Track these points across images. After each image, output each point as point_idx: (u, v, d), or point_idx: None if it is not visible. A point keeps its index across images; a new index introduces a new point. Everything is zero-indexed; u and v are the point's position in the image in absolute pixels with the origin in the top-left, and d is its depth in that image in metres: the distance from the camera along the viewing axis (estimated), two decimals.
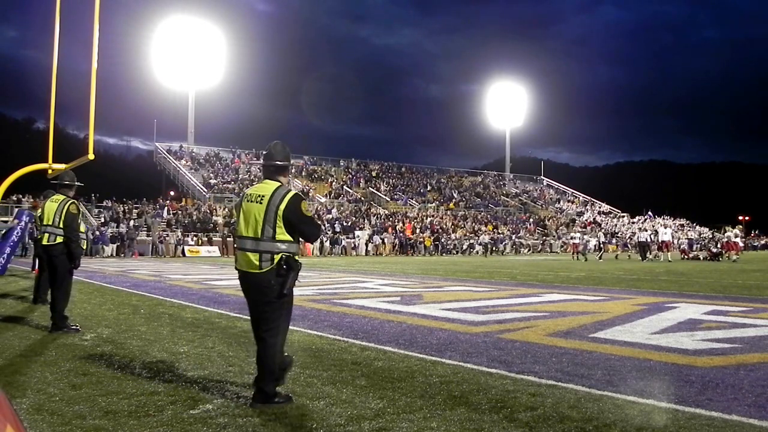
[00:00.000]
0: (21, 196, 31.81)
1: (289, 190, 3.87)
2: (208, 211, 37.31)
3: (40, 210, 7.45)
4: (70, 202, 6.88)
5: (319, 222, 4.24)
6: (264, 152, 4.11)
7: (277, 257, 3.76)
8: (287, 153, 4.07)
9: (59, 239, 6.77)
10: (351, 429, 3.30)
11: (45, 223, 6.91)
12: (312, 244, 4.33)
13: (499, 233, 46.85)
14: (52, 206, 6.91)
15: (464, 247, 42.70)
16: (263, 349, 3.80)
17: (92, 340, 6.06)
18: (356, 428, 3.31)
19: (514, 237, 46.84)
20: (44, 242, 6.88)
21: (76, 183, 7.26)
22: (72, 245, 6.77)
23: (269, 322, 3.81)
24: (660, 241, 27.78)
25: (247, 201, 3.90)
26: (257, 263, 3.77)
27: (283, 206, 3.76)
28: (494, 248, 42.82)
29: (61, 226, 6.77)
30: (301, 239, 3.95)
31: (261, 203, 3.81)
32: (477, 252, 41.55)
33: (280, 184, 3.92)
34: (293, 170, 48.78)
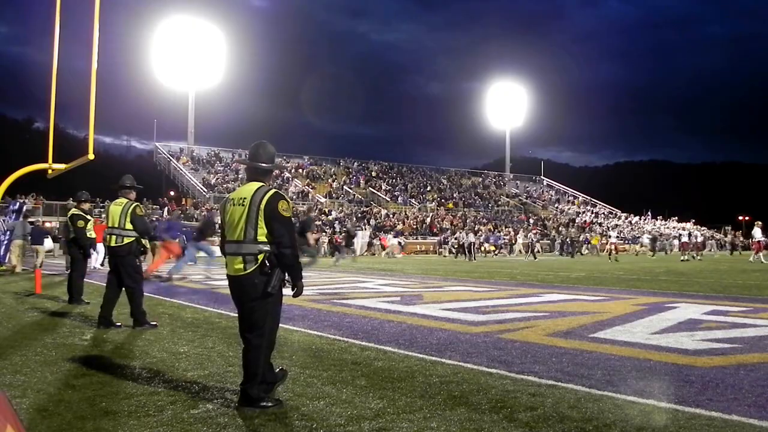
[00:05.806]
0: (25, 196, 31.75)
1: (270, 189, 3.80)
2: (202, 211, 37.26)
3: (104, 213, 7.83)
4: (134, 204, 7.17)
5: (294, 233, 3.92)
6: (248, 152, 4.01)
7: (260, 257, 3.70)
8: (272, 155, 3.98)
9: (126, 240, 7.00)
10: (351, 429, 3.30)
11: (110, 225, 7.11)
12: (284, 252, 3.75)
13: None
14: (116, 209, 7.12)
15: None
16: (248, 350, 3.76)
17: (92, 340, 6.07)
18: (356, 428, 3.31)
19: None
20: (111, 244, 7.06)
21: (136, 185, 7.48)
22: (145, 237, 7.29)
23: (255, 323, 3.76)
24: (756, 241, 27.89)
25: (231, 205, 3.85)
26: (242, 266, 3.73)
27: (263, 204, 3.71)
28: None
29: (128, 227, 7.00)
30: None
31: (243, 205, 3.76)
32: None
33: (262, 184, 3.86)
34: (293, 170, 48.77)
